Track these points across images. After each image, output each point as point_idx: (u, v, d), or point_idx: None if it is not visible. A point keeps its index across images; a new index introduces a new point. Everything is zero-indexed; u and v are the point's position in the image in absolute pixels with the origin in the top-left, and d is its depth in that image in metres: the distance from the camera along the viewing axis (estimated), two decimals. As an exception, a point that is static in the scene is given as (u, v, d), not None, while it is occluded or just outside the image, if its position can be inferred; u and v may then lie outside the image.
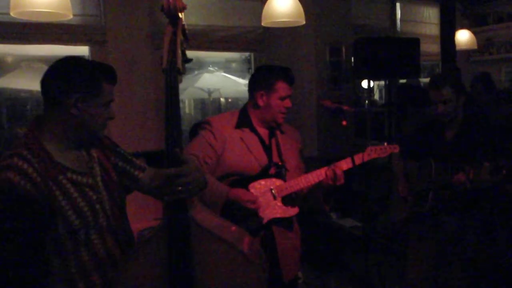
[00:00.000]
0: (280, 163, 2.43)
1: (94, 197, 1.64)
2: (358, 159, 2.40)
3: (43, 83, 1.61)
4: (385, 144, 2.52)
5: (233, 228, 1.69)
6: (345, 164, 2.39)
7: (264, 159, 2.40)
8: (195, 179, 1.54)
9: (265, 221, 2.34)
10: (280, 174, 2.42)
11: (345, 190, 4.15)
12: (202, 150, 2.31)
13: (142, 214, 3.62)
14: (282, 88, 2.40)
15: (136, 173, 1.84)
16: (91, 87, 1.60)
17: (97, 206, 1.64)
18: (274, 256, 2.37)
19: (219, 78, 8.02)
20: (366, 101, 5.86)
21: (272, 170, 2.40)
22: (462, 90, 2.73)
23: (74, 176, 1.61)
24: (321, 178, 2.37)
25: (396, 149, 2.51)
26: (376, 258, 2.62)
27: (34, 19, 2.87)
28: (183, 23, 1.56)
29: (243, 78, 7.45)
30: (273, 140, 2.47)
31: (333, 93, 5.12)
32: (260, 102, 2.40)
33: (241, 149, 2.36)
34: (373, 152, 2.45)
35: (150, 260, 1.52)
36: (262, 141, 2.43)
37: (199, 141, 2.37)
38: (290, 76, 2.44)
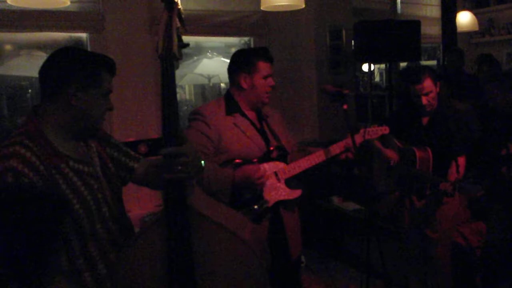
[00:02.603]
0: (280, 146, 2.47)
1: (96, 186, 1.64)
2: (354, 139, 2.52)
3: (42, 73, 1.60)
4: (375, 126, 2.69)
5: (236, 215, 1.69)
6: (342, 145, 2.53)
7: (261, 143, 2.42)
8: (194, 160, 1.53)
9: (270, 203, 2.38)
10: (282, 156, 2.46)
11: (347, 174, 4.17)
12: (198, 142, 2.28)
13: (145, 200, 3.64)
14: (263, 67, 2.42)
15: (131, 163, 1.84)
16: (90, 76, 1.60)
17: (99, 195, 1.64)
18: (284, 236, 2.45)
19: (219, 64, 7.96)
20: (371, 82, 5.83)
21: (274, 154, 2.44)
22: (438, 79, 2.87)
23: (76, 165, 1.61)
24: (321, 160, 2.44)
25: (386, 130, 2.68)
26: (378, 241, 2.64)
27: (31, 6, 2.86)
28: (179, 7, 1.55)
29: (243, 63, 7.40)
30: (264, 123, 2.51)
31: (333, 77, 5.10)
32: (244, 85, 2.42)
33: (237, 134, 2.38)
34: (367, 134, 2.60)
35: (151, 247, 1.51)
36: (254, 124, 2.46)
37: (192, 133, 2.34)
38: (270, 55, 2.47)
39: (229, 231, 1.52)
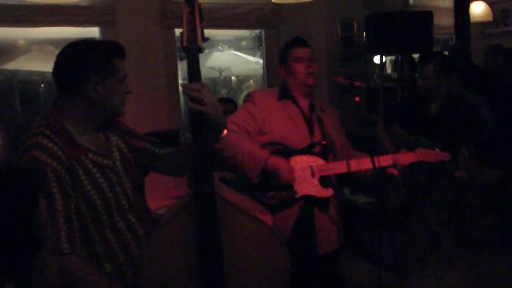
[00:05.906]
0: (325, 143, 2.46)
1: (114, 179, 1.66)
2: (402, 158, 2.45)
3: (56, 72, 1.62)
4: (437, 149, 2.54)
5: (255, 204, 1.71)
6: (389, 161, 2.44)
7: (305, 132, 2.46)
8: (218, 108, 1.53)
9: (298, 195, 2.38)
10: (324, 154, 2.46)
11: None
12: (242, 118, 2.41)
13: (157, 193, 3.65)
14: (294, 52, 2.51)
15: (157, 150, 1.85)
16: (105, 66, 1.61)
17: (118, 188, 1.66)
18: (311, 229, 2.43)
19: (230, 56, 7.96)
20: (375, 76, 5.80)
21: (317, 149, 2.44)
22: (446, 70, 2.91)
23: (95, 157, 1.63)
24: (362, 168, 2.40)
25: (446, 157, 2.53)
26: (389, 234, 2.63)
27: (43, 1, 2.87)
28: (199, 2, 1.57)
29: (254, 55, 7.40)
30: (314, 116, 2.52)
31: (345, 69, 5.07)
32: (284, 75, 2.54)
33: (284, 119, 2.45)
34: (422, 156, 2.48)
35: (176, 236, 1.54)
36: (303, 113, 2.50)
37: (240, 111, 2.51)
38: (299, 39, 2.57)
39: (253, 216, 1.55)
